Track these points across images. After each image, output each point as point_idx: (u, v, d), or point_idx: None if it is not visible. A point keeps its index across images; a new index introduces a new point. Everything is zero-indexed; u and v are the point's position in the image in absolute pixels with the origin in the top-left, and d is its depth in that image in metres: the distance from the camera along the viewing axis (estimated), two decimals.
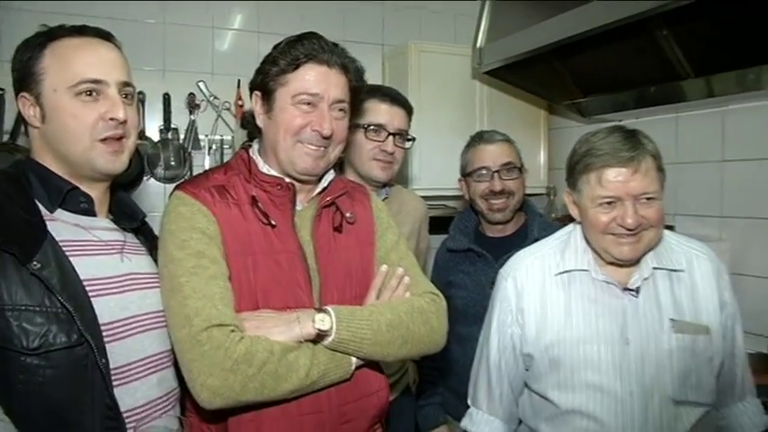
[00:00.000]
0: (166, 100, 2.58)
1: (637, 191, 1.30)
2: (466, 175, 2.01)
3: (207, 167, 2.64)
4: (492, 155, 1.94)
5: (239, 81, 2.70)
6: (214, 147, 2.69)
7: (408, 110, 1.89)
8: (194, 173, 2.63)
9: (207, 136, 2.68)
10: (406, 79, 2.74)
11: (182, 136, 2.64)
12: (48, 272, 1.00)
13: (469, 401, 1.58)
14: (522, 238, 1.82)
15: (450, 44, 2.88)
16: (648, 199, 1.31)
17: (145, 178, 2.57)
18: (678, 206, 2.50)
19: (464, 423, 1.58)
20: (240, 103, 2.70)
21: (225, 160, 2.64)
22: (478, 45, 2.52)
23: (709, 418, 1.38)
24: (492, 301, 1.54)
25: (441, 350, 1.39)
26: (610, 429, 1.32)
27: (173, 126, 2.60)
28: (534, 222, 1.96)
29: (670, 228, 2.31)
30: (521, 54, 2.35)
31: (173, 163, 2.60)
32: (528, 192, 2.87)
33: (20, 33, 1.24)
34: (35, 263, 1.00)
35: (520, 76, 2.58)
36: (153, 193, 2.60)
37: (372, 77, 2.93)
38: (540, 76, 2.56)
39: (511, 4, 2.53)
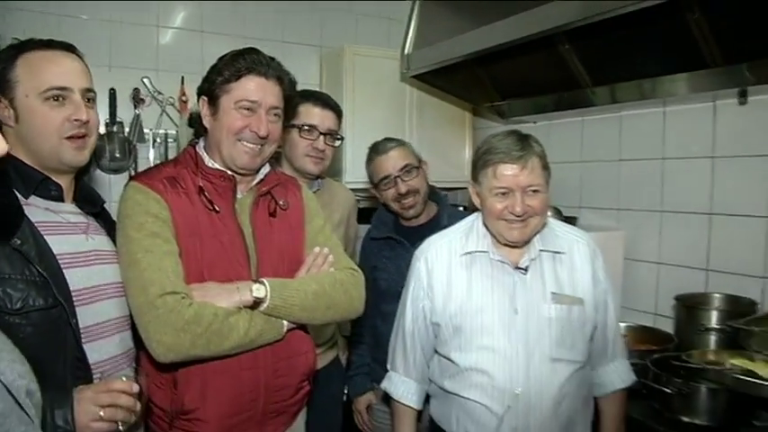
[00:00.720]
0: (112, 95, 2.75)
1: (524, 184, 1.59)
2: (374, 185, 2.30)
3: (151, 159, 2.84)
4: (390, 163, 2.22)
5: (183, 78, 2.89)
6: (158, 140, 2.88)
7: (338, 113, 2.17)
8: (139, 164, 2.82)
9: (151, 130, 2.87)
10: (341, 80, 3.00)
11: (127, 129, 2.81)
12: (27, 247, 1.22)
13: (389, 366, 1.86)
14: (434, 226, 2.10)
15: (383, 48, 3.14)
16: (534, 191, 1.61)
17: (91, 168, 2.74)
18: (582, 200, 2.86)
19: (383, 385, 1.86)
20: (184, 98, 2.89)
21: (169, 153, 2.85)
22: (406, 51, 2.81)
23: (579, 373, 1.69)
24: (407, 280, 1.82)
25: (369, 327, 1.66)
26: (499, 382, 1.62)
27: (118, 120, 2.77)
28: (444, 212, 2.26)
29: (573, 219, 2.67)
30: (445, 61, 2.64)
31: (118, 155, 2.78)
32: (454, 186, 3.22)
33: None
34: (16, 239, 1.22)
35: (445, 80, 2.88)
36: (99, 183, 2.76)
37: (310, 77, 3.22)
38: (463, 81, 2.87)
39: (437, 13, 2.82)
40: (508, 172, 1.61)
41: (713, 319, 2.12)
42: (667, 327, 2.39)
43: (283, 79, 1.60)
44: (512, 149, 1.61)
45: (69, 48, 1.42)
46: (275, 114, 1.58)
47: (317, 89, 3.15)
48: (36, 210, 1.33)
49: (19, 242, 1.22)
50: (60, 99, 1.37)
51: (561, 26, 2.14)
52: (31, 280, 1.22)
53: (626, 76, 2.36)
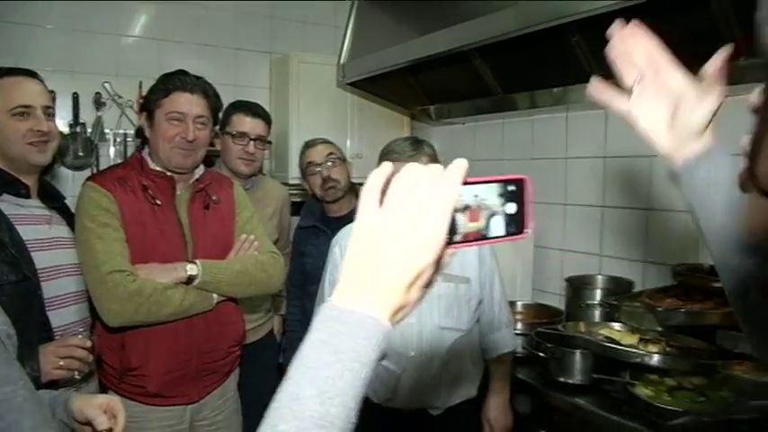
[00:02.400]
0: (75, 98, 3.09)
1: None
2: (303, 173, 2.74)
3: (111, 157, 3.20)
4: (317, 152, 2.68)
5: (141, 82, 3.23)
6: (118, 139, 3.23)
7: (267, 121, 2.58)
8: (100, 162, 3.18)
9: (112, 130, 3.22)
10: (287, 85, 3.37)
11: (89, 130, 3.15)
12: (1, 234, 1.60)
13: None
14: (352, 217, 2.50)
15: (327, 55, 3.47)
16: None
17: (56, 166, 3.09)
18: None
19: None
20: (141, 101, 3.24)
21: (128, 151, 3.21)
22: (342, 61, 3.20)
23: (464, 338, 2.08)
24: (326, 263, 2.22)
25: (299, 305, 2.03)
26: (398, 348, 2.02)
27: (81, 121, 3.11)
28: None
29: None
30: (376, 70, 3.04)
31: (80, 153, 3.13)
32: None
33: None
34: None
35: (378, 87, 3.28)
36: (63, 179, 3.10)
37: (261, 81, 3.57)
38: (395, 88, 3.27)
39: (372, 24, 3.20)
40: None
41: (596, 296, 2.55)
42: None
43: (208, 93, 1.98)
44: (405, 151, 2.00)
45: (32, 74, 1.80)
46: (201, 123, 1.97)
47: (268, 92, 3.55)
48: (7, 205, 1.71)
49: None
50: (25, 114, 1.76)
51: (473, 43, 2.55)
52: (4, 260, 1.59)
53: (528, 86, 2.77)
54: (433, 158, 2.05)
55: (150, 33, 3.37)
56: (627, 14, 0.99)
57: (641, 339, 2.20)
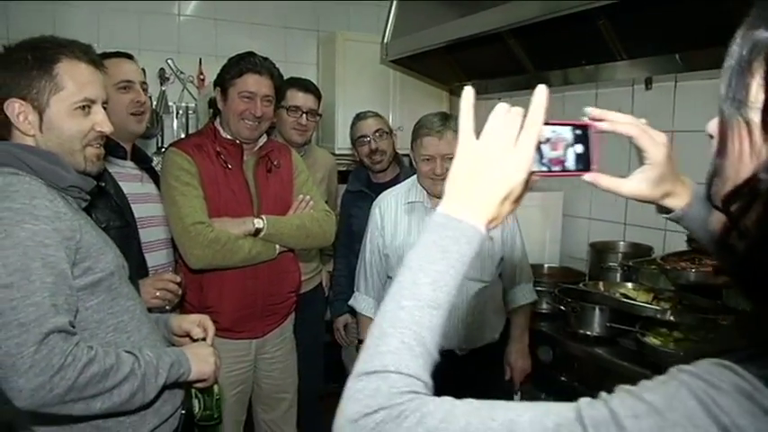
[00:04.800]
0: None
1: (443, 152, 2.28)
2: (353, 143, 3.10)
3: (174, 128, 3.60)
4: (367, 125, 3.03)
5: (200, 59, 3.63)
6: (180, 112, 3.63)
7: (318, 96, 2.96)
8: (165, 132, 3.58)
9: (174, 103, 3.62)
10: (334, 61, 3.72)
11: (155, 103, 3.54)
12: (108, 186, 1.99)
13: (355, 288, 2.61)
14: (394, 183, 2.86)
15: (371, 34, 3.79)
16: (450, 158, 2.33)
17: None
18: None
19: (351, 302, 2.61)
20: (201, 77, 3.64)
21: (189, 122, 3.60)
22: (385, 40, 3.53)
23: (487, 290, 2.39)
24: (368, 222, 2.56)
25: (345, 262, 2.45)
26: None
27: (148, 95, 3.52)
28: (403, 174, 3.03)
29: None
30: (417, 49, 3.36)
31: (147, 125, 3.52)
32: None
33: None
34: (102, 182, 1.98)
35: (419, 64, 3.61)
36: None
37: (309, 58, 3.94)
38: (435, 65, 3.59)
39: (414, 6, 3.52)
40: (430, 142, 2.29)
41: (618, 260, 2.85)
42: None
43: (274, 74, 2.35)
44: (434, 125, 2.30)
45: (129, 56, 2.21)
46: (267, 100, 2.33)
47: (315, 68, 3.90)
48: (110, 165, 2.11)
49: (104, 184, 1.98)
50: (127, 88, 2.16)
51: (507, 25, 2.85)
52: (111, 208, 1.98)
53: (559, 65, 3.07)
54: None
55: (207, 14, 3.75)
56: None
57: (655, 297, 2.51)
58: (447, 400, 0.68)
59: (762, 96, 0.60)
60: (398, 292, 0.77)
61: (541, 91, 0.84)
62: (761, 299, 0.65)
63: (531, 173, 0.83)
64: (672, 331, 2.34)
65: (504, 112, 0.85)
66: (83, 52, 1.50)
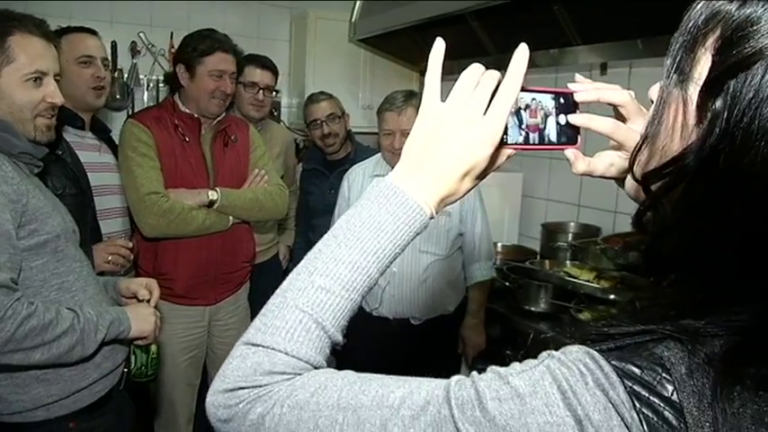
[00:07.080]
0: (114, 46, 3.58)
1: (402, 126, 2.42)
2: (307, 125, 3.21)
3: (145, 100, 3.70)
4: (319, 110, 3.13)
5: (172, 33, 3.70)
6: (151, 84, 3.72)
7: (275, 72, 3.06)
8: (135, 104, 3.68)
9: (146, 76, 3.70)
10: (305, 39, 3.81)
11: (126, 75, 3.65)
12: (65, 155, 2.10)
13: None
14: (347, 161, 3.02)
15: (345, 12, 3.86)
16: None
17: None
18: None
19: None
20: (173, 50, 3.72)
21: (160, 95, 3.70)
22: (353, 19, 3.63)
23: (441, 262, 2.55)
24: (338, 196, 2.69)
25: (304, 236, 2.60)
26: None
27: (119, 67, 3.62)
28: (355, 151, 3.17)
29: None
30: (384, 28, 3.46)
31: (118, 96, 3.62)
32: None
33: None
34: (59, 150, 2.10)
35: (387, 44, 3.71)
36: (103, 119, 3.58)
37: (282, 35, 4.00)
38: (403, 46, 3.69)
39: None
40: (390, 117, 2.45)
41: (567, 240, 3.00)
42: None
43: (237, 51, 2.47)
44: (396, 101, 2.45)
45: (92, 31, 2.33)
46: (233, 77, 2.46)
47: (288, 46, 4.00)
48: (68, 134, 2.23)
49: (60, 152, 2.10)
50: (88, 63, 2.27)
51: (470, 6, 2.96)
52: (67, 176, 2.09)
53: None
54: None
55: None
56: None
57: (597, 276, 2.66)
58: (324, 372, 0.66)
59: (706, 73, 0.56)
60: (314, 263, 0.71)
61: (522, 52, 0.74)
62: (656, 280, 0.65)
63: (504, 145, 0.74)
64: (608, 308, 2.49)
65: (476, 73, 0.76)
66: (35, 26, 1.62)
